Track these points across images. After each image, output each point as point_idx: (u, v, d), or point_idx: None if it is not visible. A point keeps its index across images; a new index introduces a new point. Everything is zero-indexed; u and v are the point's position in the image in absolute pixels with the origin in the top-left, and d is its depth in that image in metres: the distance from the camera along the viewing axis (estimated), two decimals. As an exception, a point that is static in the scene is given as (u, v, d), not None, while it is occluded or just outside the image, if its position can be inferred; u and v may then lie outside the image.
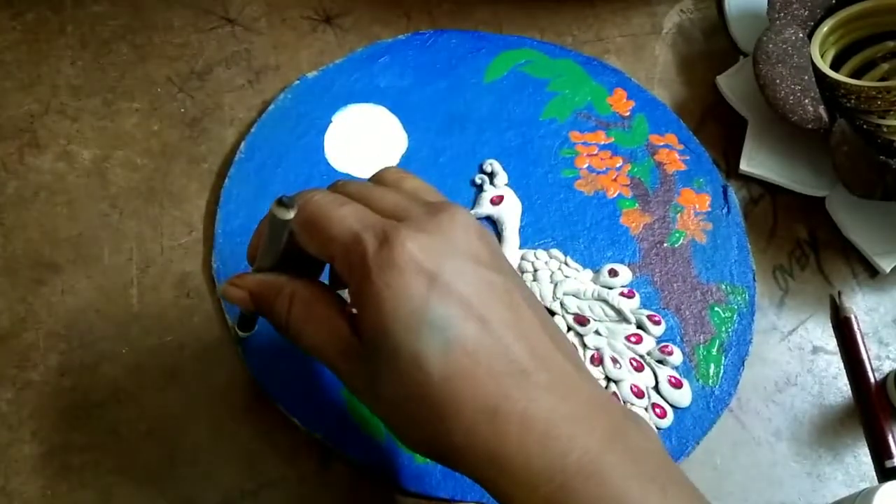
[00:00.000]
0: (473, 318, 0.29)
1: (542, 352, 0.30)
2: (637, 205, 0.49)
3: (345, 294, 0.35)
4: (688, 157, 0.50)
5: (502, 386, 0.29)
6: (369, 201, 0.33)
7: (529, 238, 0.47)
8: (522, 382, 0.29)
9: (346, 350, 0.32)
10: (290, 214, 0.31)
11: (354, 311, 0.32)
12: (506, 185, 0.48)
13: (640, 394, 0.43)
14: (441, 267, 0.29)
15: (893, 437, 0.45)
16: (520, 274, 0.36)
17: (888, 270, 0.48)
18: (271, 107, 0.48)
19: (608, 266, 0.46)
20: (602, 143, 0.50)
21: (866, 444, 0.45)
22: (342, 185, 0.35)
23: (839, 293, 0.48)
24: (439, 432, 0.29)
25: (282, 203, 0.31)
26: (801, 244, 0.50)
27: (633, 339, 0.44)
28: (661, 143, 0.50)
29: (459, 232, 0.31)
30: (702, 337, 0.46)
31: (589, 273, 0.46)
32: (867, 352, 0.47)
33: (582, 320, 0.44)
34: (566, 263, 0.46)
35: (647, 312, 0.45)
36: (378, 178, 0.36)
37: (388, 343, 0.29)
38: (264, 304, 0.35)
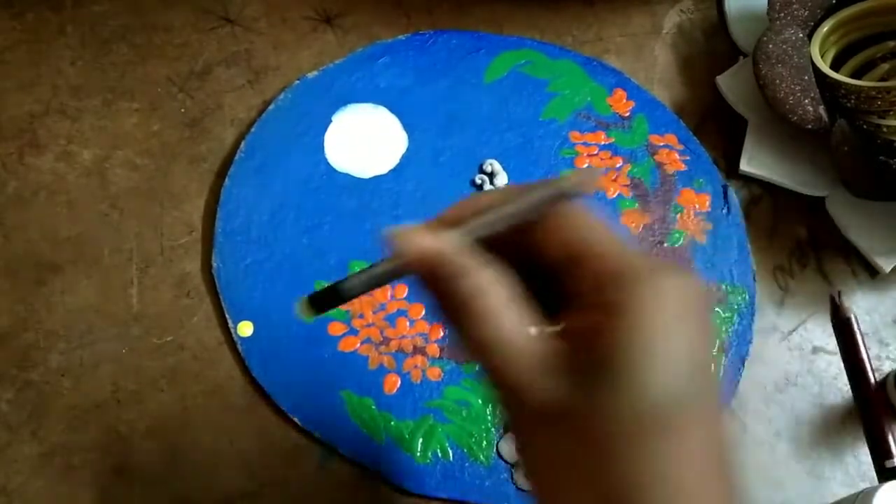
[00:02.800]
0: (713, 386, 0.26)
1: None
2: (637, 205, 0.49)
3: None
4: (688, 158, 0.50)
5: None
6: None
7: (529, 238, 0.47)
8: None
9: (547, 361, 0.25)
10: (583, 190, 0.27)
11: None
12: (506, 185, 0.48)
13: (640, 394, 0.43)
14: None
15: (893, 437, 0.44)
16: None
17: (888, 270, 0.48)
18: (271, 107, 0.48)
19: (608, 266, 0.46)
20: (602, 143, 0.50)
21: (866, 445, 0.45)
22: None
23: (839, 293, 0.48)
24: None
25: (586, 176, 0.27)
26: (801, 244, 0.50)
27: (633, 339, 0.44)
28: (661, 144, 0.50)
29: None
30: (702, 337, 0.45)
31: (589, 273, 0.46)
32: (867, 352, 0.47)
33: (582, 320, 0.44)
34: (566, 263, 0.46)
35: (647, 312, 0.45)
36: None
37: (646, 375, 0.24)
38: (458, 272, 0.26)
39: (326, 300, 0.28)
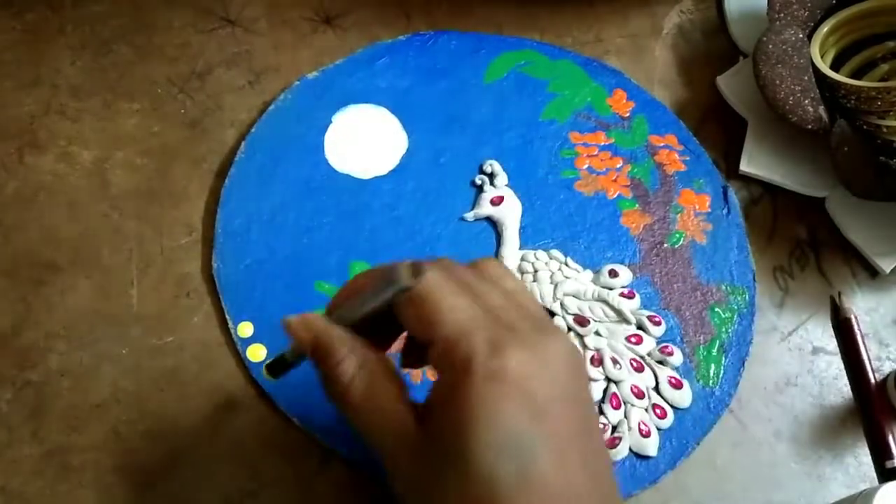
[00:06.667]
0: (556, 453, 0.29)
1: (607, 496, 0.30)
2: (637, 205, 0.49)
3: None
4: (688, 158, 0.50)
5: None
6: (476, 296, 0.32)
7: (530, 239, 0.47)
8: None
9: (407, 442, 0.31)
10: (413, 283, 0.30)
11: (424, 403, 0.32)
12: (506, 185, 0.48)
13: (640, 394, 0.43)
14: (539, 393, 0.29)
15: (893, 437, 0.45)
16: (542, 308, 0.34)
17: (888, 271, 0.48)
18: (271, 107, 0.48)
19: (608, 267, 0.46)
20: (602, 143, 0.50)
21: (866, 445, 0.45)
22: (448, 267, 0.33)
23: (839, 293, 0.48)
24: None
25: (414, 269, 0.30)
26: (801, 244, 0.50)
27: (633, 339, 0.44)
28: (661, 144, 0.50)
29: (562, 361, 0.30)
30: (702, 337, 0.46)
31: (589, 274, 0.46)
32: (867, 352, 0.47)
33: (582, 321, 0.44)
34: (566, 264, 0.46)
35: (647, 313, 0.45)
36: (480, 270, 0.34)
37: (465, 454, 0.28)
38: (327, 359, 0.32)
39: (277, 367, 0.36)
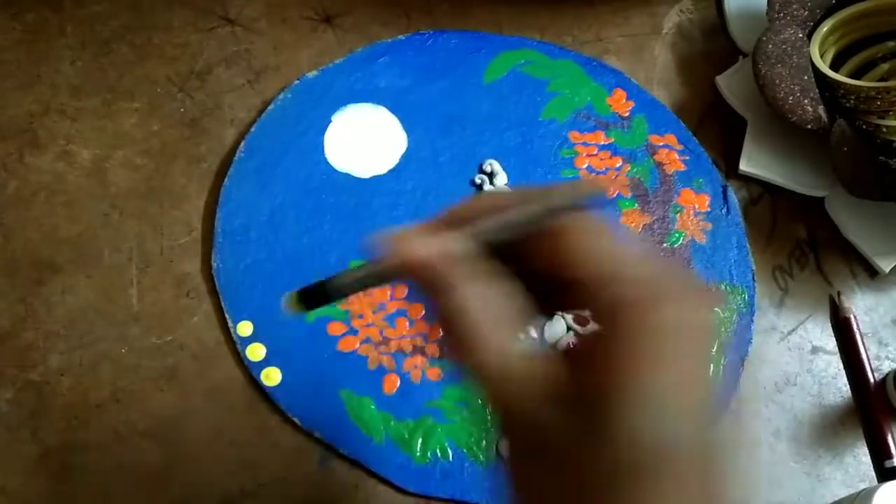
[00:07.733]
0: (692, 419, 0.24)
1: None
2: (637, 205, 0.49)
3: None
4: (687, 158, 0.50)
5: None
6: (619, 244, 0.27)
7: (529, 238, 0.47)
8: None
9: (538, 389, 0.25)
10: (574, 203, 0.26)
11: (568, 350, 0.28)
12: (505, 184, 0.48)
13: (639, 394, 0.43)
14: (693, 354, 0.25)
15: (893, 437, 0.45)
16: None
17: (887, 270, 0.48)
18: (271, 107, 0.48)
19: (608, 266, 0.46)
20: (601, 143, 0.50)
21: (866, 445, 0.45)
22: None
23: (838, 293, 0.48)
24: None
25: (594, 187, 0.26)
26: (801, 244, 0.50)
27: (632, 339, 0.44)
28: (661, 144, 0.50)
29: (708, 321, 0.26)
30: (701, 337, 0.45)
31: (589, 273, 0.46)
32: (866, 352, 0.47)
33: (582, 320, 0.44)
34: (566, 263, 0.46)
35: (646, 312, 0.45)
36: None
37: (609, 412, 0.23)
38: (430, 284, 0.26)
39: (315, 297, 0.27)
